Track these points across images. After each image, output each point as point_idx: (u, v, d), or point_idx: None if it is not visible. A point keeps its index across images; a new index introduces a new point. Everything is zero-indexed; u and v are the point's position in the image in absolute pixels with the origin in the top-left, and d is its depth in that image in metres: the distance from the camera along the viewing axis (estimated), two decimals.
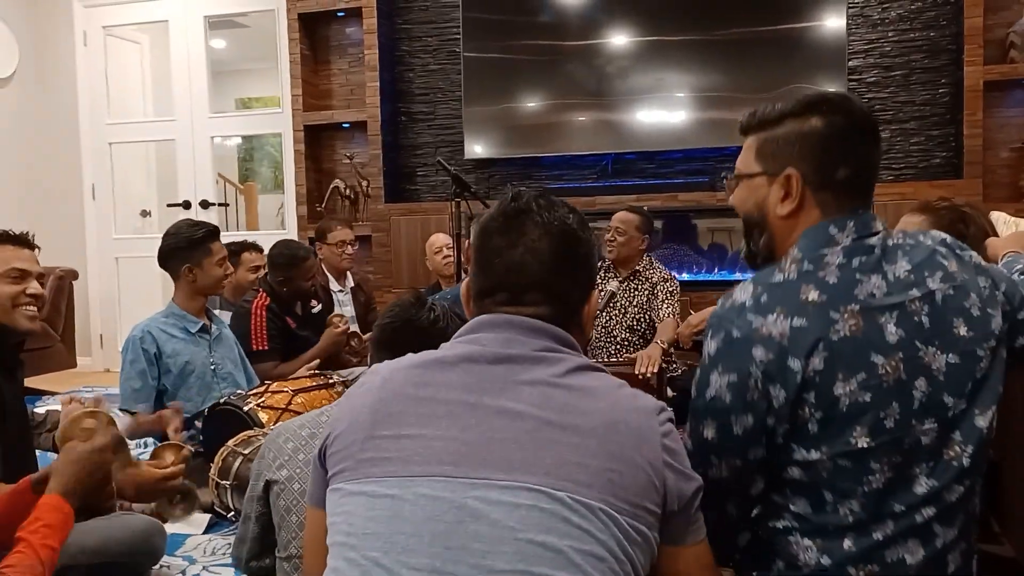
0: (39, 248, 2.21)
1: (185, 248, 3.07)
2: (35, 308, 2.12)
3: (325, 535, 1.08)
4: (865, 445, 1.16)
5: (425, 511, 0.97)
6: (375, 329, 1.74)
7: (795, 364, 1.16)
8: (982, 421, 1.22)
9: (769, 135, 1.29)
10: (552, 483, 0.97)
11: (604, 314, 3.94)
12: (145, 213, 6.57)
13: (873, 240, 1.23)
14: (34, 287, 2.09)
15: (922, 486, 1.18)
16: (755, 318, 1.18)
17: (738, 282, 1.29)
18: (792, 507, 1.22)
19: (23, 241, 2.15)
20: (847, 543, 1.18)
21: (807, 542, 1.20)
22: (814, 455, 1.18)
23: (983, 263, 1.32)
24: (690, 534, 1.08)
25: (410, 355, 1.13)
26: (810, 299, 1.18)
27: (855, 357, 1.16)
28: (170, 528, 2.53)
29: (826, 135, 1.24)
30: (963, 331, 1.22)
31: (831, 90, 1.27)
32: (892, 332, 1.18)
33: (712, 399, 1.21)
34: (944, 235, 1.32)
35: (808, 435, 1.18)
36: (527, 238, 1.11)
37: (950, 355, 1.20)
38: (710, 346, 1.23)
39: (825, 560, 1.19)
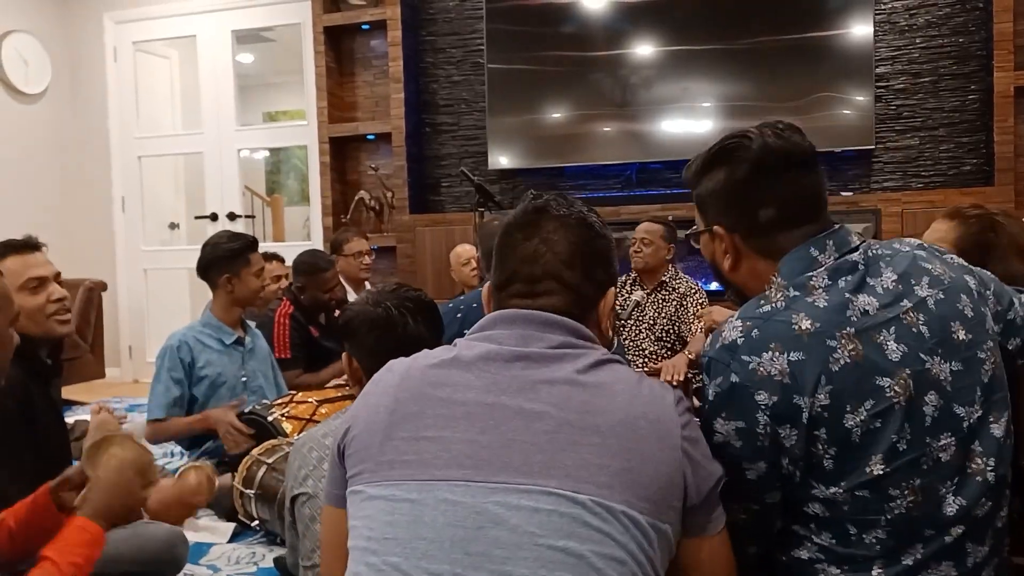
0: (46, 246, 2.14)
1: (225, 258, 3.11)
2: (66, 313, 2.07)
3: (342, 535, 1.07)
4: (880, 472, 1.11)
5: (446, 516, 0.96)
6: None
7: (800, 401, 1.11)
8: (998, 431, 1.17)
9: (696, 193, 1.30)
10: (573, 486, 0.95)
11: (631, 326, 3.91)
12: (173, 225, 6.65)
13: (855, 256, 1.18)
14: (57, 291, 2.05)
15: (951, 506, 1.14)
16: (751, 359, 1.13)
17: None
18: (816, 539, 1.18)
19: (29, 246, 2.09)
20: (876, 571, 1.14)
21: (834, 570, 1.16)
22: (832, 490, 1.13)
23: (964, 263, 1.28)
24: (711, 524, 1.06)
25: (426, 352, 1.12)
26: (803, 328, 1.12)
27: (860, 384, 1.11)
28: (195, 537, 2.54)
29: (730, 186, 1.23)
30: (962, 335, 1.17)
31: (736, 134, 1.24)
32: (894, 349, 1.13)
33: (721, 445, 1.16)
34: (918, 240, 1.29)
35: (825, 472, 1.13)
36: (543, 230, 1.12)
37: (954, 363, 1.15)
38: (708, 391, 1.18)
39: None
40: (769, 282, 1.21)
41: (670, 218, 4.33)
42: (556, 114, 5.03)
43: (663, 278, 3.90)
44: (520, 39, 5.01)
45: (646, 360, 3.83)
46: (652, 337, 3.88)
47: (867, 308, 1.14)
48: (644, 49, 4.88)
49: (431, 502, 0.97)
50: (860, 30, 4.50)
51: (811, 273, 1.17)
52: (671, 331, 3.87)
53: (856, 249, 1.20)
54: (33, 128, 5.82)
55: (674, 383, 3.22)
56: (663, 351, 3.85)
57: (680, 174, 4.71)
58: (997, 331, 1.25)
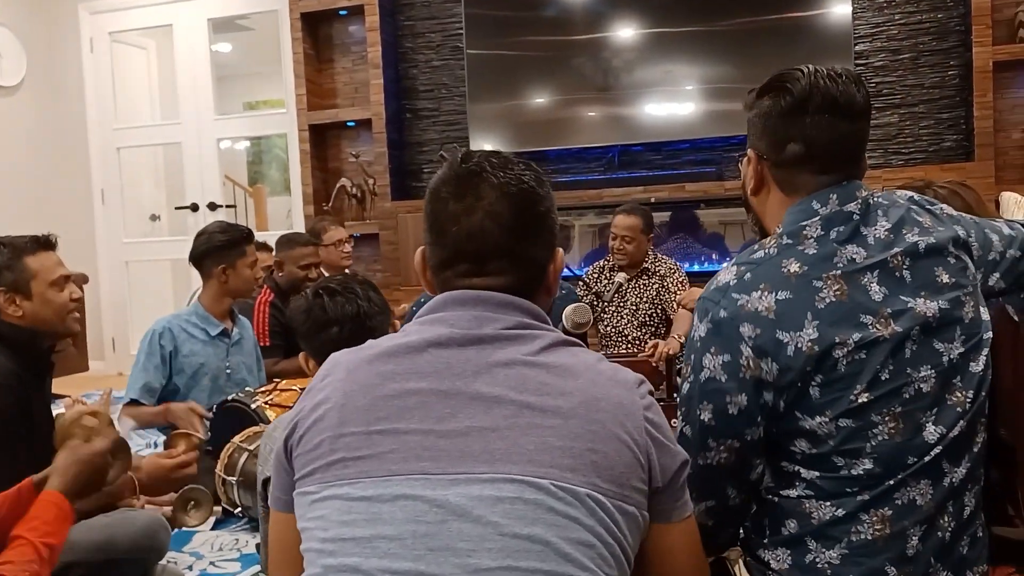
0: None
1: (222, 248, 3.08)
2: (79, 312, 2.11)
3: (292, 541, 1.03)
4: (866, 400, 1.16)
5: (405, 512, 0.92)
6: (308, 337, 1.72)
7: (784, 336, 1.16)
8: (976, 367, 1.23)
9: (748, 117, 1.34)
10: (535, 471, 0.93)
11: (614, 311, 3.91)
12: (154, 217, 6.60)
13: (851, 206, 1.22)
14: (75, 290, 2.08)
15: (932, 434, 1.19)
16: (740, 296, 1.19)
17: None
18: (805, 475, 1.22)
19: (52, 244, 2.11)
20: (860, 497, 1.18)
21: (819, 503, 1.20)
22: (817, 420, 1.18)
23: (953, 213, 1.34)
24: (676, 510, 1.04)
25: (371, 342, 1.05)
26: (792, 271, 1.19)
27: (845, 321, 1.16)
28: None
29: (771, 114, 1.27)
30: (945, 278, 1.23)
31: (792, 68, 1.31)
32: (876, 291, 1.19)
33: (707, 380, 1.21)
34: (912, 193, 1.34)
35: (811, 401, 1.18)
36: (484, 202, 1.03)
37: (941, 301, 1.21)
38: (699, 330, 1.23)
39: (839, 512, 1.19)
40: (775, 228, 1.27)
41: (652, 200, 4.33)
42: (538, 98, 5.02)
43: (645, 265, 3.90)
44: (499, 23, 4.98)
45: (629, 345, 3.83)
46: (635, 323, 3.87)
47: (854, 256, 1.20)
48: (625, 32, 4.86)
49: (389, 498, 0.93)
50: (839, 8, 4.50)
51: (806, 222, 1.22)
52: (655, 315, 3.87)
53: (855, 200, 1.24)
54: (9, 121, 5.75)
55: (660, 357, 3.21)
56: (647, 336, 3.84)
57: (662, 156, 4.74)
58: (980, 274, 1.30)
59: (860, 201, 1.23)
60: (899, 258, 1.21)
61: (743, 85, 4.57)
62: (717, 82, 4.70)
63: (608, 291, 3.89)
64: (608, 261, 4.00)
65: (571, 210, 4.95)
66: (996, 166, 4.28)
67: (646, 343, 3.71)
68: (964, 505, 1.23)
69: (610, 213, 4.09)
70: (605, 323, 3.92)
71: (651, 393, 1.04)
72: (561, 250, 1.12)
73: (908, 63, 4.59)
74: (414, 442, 0.95)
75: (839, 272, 1.18)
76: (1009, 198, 3.47)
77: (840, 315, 1.16)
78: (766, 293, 1.18)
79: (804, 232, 1.22)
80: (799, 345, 1.16)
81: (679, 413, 1.28)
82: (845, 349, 1.15)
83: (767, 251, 1.24)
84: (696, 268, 4.75)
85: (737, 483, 1.26)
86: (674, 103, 4.80)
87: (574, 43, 4.89)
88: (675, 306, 3.73)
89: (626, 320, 3.88)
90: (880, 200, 1.27)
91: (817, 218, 1.22)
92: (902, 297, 1.19)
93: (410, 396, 0.97)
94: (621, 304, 3.89)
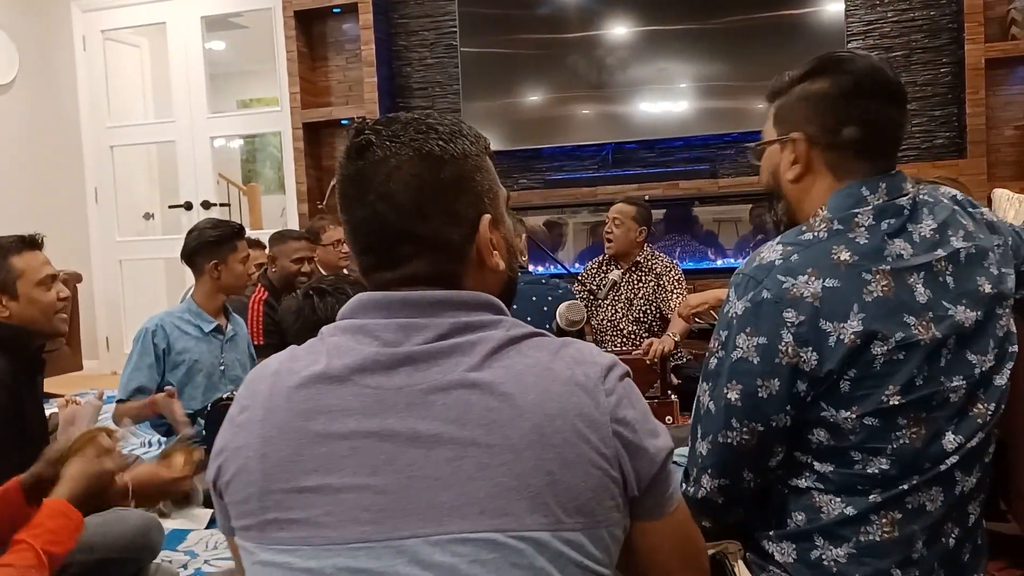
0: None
1: (213, 244, 3.09)
2: (66, 311, 2.12)
3: None
4: (897, 403, 1.14)
5: None
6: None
7: (828, 326, 1.14)
8: (999, 380, 1.22)
9: (783, 101, 1.29)
10: (489, 523, 0.81)
11: (607, 305, 3.92)
12: (148, 216, 6.59)
13: (903, 200, 1.20)
14: (63, 290, 2.08)
15: (951, 442, 1.18)
16: (786, 279, 1.16)
17: None
18: (817, 467, 1.20)
19: (38, 244, 2.11)
20: (872, 496, 1.17)
21: (830, 498, 1.19)
22: (843, 414, 1.16)
23: (994, 220, 1.32)
24: (660, 507, 0.93)
25: (292, 363, 0.91)
26: (842, 259, 1.16)
27: (890, 318, 1.14)
28: (172, 524, 2.53)
29: (830, 94, 1.23)
30: (987, 288, 1.21)
31: (844, 50, 1.31)
32: (921, 292, 1.17)
33: (738, 360, 1.18)
34: (955, 192, 1.31)
35: (839, 394, 1.15)
36: (375, 182, 0.90)
37: (979, 312, 1.19)
38: (736, 307, 1.19)
39: (849, 511, 1.18)
40: (817, 212, 1.24)
41: (646, 197, 4.33)
42: (531, 96, 5.02)
43: (637, 259, 3.91)
44: (493, 21, 4.98)
45: (624, 341, 3.84)
46: (630, 318, 3.88)
47: (902, 252, 1.18)
48: (619, 30, 4.87)
49: (331, 571, 0.82)
50: (832, 6, 4.51)
51: (858, 210, 1.20)
52: (650, 311, 3.88)
53: (906, 195, 1.22)
54: (2, 120, 5.73)
55: (656, 358, 3.22)
56: (643, 332, 3.86)
57: (655, 154, 4.71)
58: (1015, 285, 1.29)
59: (909, 197, 1.21)
60: (943, 263, 1.19)
61: (737, 83, 4.64)
62: (711, 80, 4.70)
63: (603, 288, 3.90)
64: (605, 256, 4.01)
65: (565, 208, 4.96)
66: (988, 163, 4.29)
67: (641, 338, 3.72)
68: (969, 514, 1.22)
69: (604, 211, 4.10)
70: (599, 316, 3.93)
71: (625, 376, 0.92)
72: (488, 216, 0.94)
73: (901, 60, 4.59)
74: (350, 501, 0.83)
75: (888, 267, 1.16)
76: (1001, 195, 3.48)
77: (886, 311, 1.14)
78: (813, 279, 1.15)
79: (856, 219, 1.19)
80: (841, 336, 1.13)
81: (705, 386, 1.25)
82: (885, 347, 1.13)
83: (816, 234, 1.20)
84: (690, 265, 4.76)
85: (755, 466, 1.23)
86: (668, 101, 4.81)
87: (568, 41, 4.89)
88: (671, 305, 3.75)
89: (621, 314, 3.89)
90: (926, 197, 1.24)
91: (869, 207, 1.19)
92: (944, 303, 1.17)
93: (338, 441, 0.85)
94: (616, 298, 3.91)
